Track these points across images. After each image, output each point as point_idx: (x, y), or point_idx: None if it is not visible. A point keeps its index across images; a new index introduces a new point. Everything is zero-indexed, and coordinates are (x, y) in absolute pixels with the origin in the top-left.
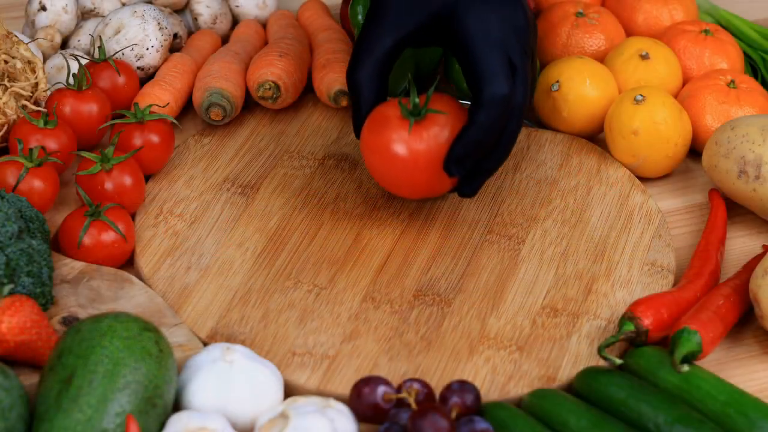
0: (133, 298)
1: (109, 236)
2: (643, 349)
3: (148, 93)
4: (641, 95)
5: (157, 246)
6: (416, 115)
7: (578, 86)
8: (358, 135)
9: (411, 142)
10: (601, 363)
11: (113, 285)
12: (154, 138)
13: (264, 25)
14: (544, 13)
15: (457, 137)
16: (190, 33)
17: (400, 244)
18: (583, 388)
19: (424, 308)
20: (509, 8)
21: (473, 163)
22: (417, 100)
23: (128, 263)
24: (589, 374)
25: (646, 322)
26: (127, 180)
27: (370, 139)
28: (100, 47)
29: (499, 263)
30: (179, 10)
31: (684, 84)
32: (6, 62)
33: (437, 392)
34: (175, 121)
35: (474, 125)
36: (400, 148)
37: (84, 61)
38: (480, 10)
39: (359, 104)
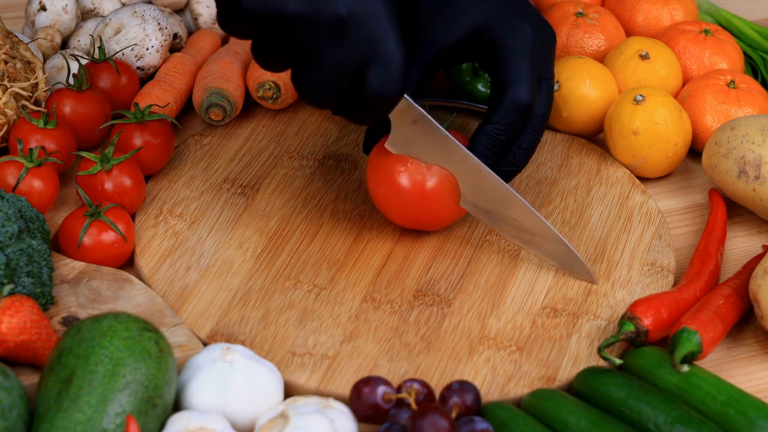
0: (133, 298)
1: (109, 236)
2: (643, 349)
3: (148, 93)
4: (641, 95)
5: (157, 246)
6: None
7: (578, 86)
8: (367, 151)
9: (413, 171)
10: (601, 363)
11: (113, 285)
12: (154, 138)
13: None
14: (543, 13)
15: (470, 141)
16: (190, 33)
17: (400, 245)
18: (583, 388)
19: (424, 308)
20: (542, 24)
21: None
22: None
23: (128, 263)
24: (589, 374)
25: (646, 322)
26: (127, 180)
27: (375, 160)
28: (100, 47)
29: (499, 263)
30: (179, 10)
31: (684, 84)
32: (6, 62)
33: (437, 392)
34: (175, 121)
35: (488, 125)
36: (402, 175)
37: (84, 61)
38: (517, 23)
39: (380, 121)
